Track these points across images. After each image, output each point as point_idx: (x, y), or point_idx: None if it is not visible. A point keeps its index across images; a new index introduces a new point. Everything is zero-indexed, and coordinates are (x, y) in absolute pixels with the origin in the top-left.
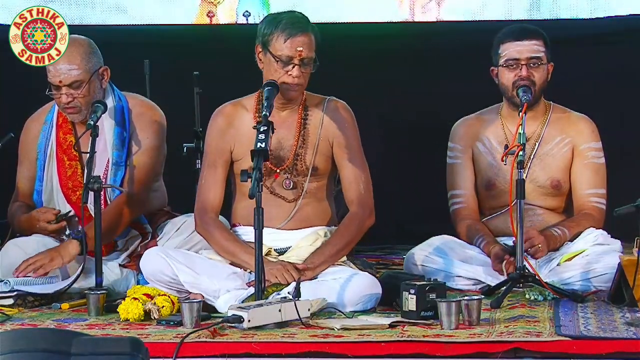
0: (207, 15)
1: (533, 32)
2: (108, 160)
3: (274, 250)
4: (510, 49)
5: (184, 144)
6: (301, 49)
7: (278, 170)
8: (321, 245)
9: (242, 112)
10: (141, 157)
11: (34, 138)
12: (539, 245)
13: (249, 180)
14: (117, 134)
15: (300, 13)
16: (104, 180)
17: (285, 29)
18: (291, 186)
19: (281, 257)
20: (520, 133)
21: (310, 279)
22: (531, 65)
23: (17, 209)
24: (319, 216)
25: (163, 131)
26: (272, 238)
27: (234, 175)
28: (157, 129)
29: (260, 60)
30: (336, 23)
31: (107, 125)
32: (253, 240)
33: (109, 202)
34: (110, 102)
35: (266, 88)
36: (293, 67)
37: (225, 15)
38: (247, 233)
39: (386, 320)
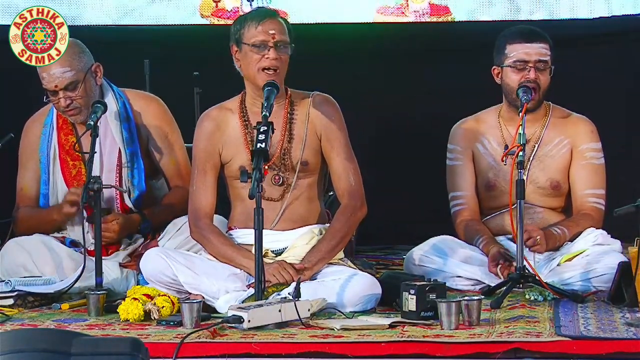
0: (213, 0)
1: (541, 35)
2: (119, 159)
3: (271, 251)
4: (519, 50)
5: (185, 144)
6: (273, 32)
7: (266, 167)
8: (317, 242)
9: (228, 114)
10: (175, 153)
11: (35, 140)
12: (538, 238)
13: (249, 180)
14: (125, 130)
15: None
16: (117, 179)
17: (254, 17)
18: (280, 182)
19: (278, 258)
20: (520, 133)
21: (310, 279)
22: (538, 68)
23: (26, 210)
24: (311, 215)
25: (172, 118)
26: (268, 239)
27: (226, 178)
28: (170, 119)
29: (238, 59)
30: (334, 23)
31: (113, 126)
32: (249, 243)
33: (126, 201)
34: (110, 99)
35: (266, 88)
36: (269, 50)
37: None
38: (243, 236)
39: (386, 321)
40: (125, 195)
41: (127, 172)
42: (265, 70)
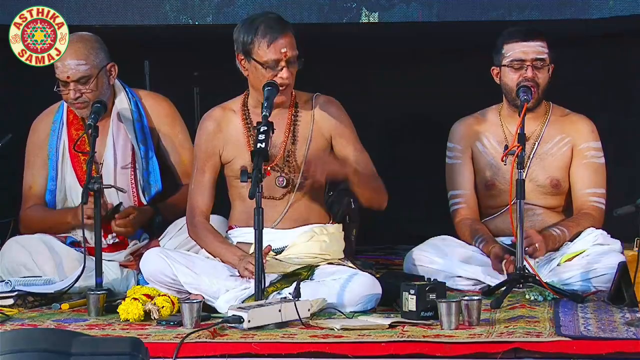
0: None
1: (538, 33)
2: (133, 158)
3: (271, 250)
4: (516, 50)
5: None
6: (285, 50)
7: (268, 168)
8: None
9: (230, 114)
10: (184, 152)
11: (44, 138)
12: (537, 245)
13: (249, 180)
14: (137, 129)
15: (274, 13)
16: (132, 177)
17: (266, 34)
18: (284, 183)
19: (279, 257)
20: (519, 133)
21: (309, 279)
22: (536, 66)
23: (37, 209)
24: (312, 214)
25: (181, 118)
26: (269, 238)
27: (227, 177)
28: (180, 120)
29: (245, 68)
30: (337, 23)
31: (126, 125)
32: (250, 241)
33: (142, 199)
34: (123, 98)
35: (266, 88)
36: (281, 69)
37: None
38: (243, 234)
39: (386, 321)
40: (141, 194)
41: (142, 171)
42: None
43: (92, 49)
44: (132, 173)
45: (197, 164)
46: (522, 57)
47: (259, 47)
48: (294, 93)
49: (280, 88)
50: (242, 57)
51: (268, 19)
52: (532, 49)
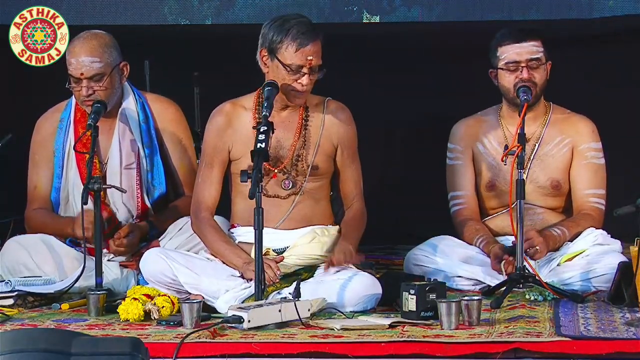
0: None
1: (531, 33)
2: (137, 159)
3: (272, 250)
4: (510, 52)
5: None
6: (311, 58)
7: (275, 170)
8: (344, 233)
9: (241, 111)
10: (185, 159)
11: (49, 136)
12: (537, 247)
13: (249, 180)
14: (144, 131)
15: (306, 17)
16: (137, 178)
17: (297, 38)
18: (290, 186)
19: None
20: (520, 134)
21: (309, 278)
22: (531, 66)
23: (41, 214)
24: (316, 216)
25: (187, 124)
26: (270, 238)
27: (232, 175)
28: (186, 126)
29: (266, 64)
30: (338, 23)
31: (132, 127)
32: (251, 241)
33: (145, 201)
34: (131, 100)
35: (266, 88)
36: (303, 75)
37: None
38: (245, 233)
39: (386, 321)
40: (145, 196)
41: (147, 172)
42: (296, 91)
43: (106, 47)
44: (138, 174)
45: (205, 158)
46: (516, 58)
47: (287, 50)
48: None
49: (298, 93)
50: (266, 54)
51: (301, 23)
52: (525, 50)
